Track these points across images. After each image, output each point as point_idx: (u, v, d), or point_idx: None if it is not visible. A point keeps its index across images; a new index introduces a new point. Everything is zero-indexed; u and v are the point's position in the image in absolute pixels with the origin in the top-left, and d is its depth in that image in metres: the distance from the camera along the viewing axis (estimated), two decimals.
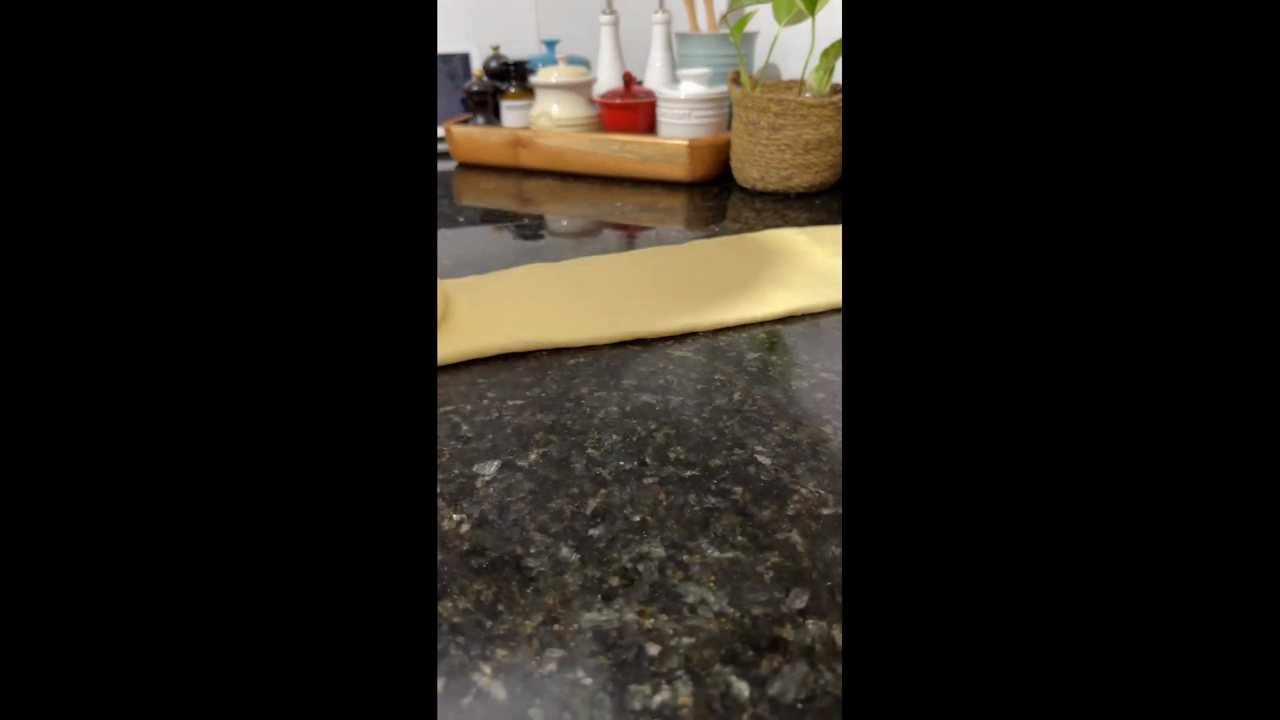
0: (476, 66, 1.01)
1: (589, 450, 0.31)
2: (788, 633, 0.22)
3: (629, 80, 0.81)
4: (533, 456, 0.31)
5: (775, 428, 0.32)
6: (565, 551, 0.25)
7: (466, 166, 0.86)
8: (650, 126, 0.80)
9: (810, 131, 0.66)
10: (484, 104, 0.87)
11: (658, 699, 0.20)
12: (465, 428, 0.33)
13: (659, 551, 0.25)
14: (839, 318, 0.44)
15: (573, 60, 0.87)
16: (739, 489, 0.28)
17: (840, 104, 0.65)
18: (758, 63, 0.88)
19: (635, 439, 0.32)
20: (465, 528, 0.26)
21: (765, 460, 0.30)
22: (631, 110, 0.78)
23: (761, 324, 0.43)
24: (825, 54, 0.65)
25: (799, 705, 0.20)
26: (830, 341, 0.41)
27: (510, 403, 0.35)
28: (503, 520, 0.27)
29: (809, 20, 0.63)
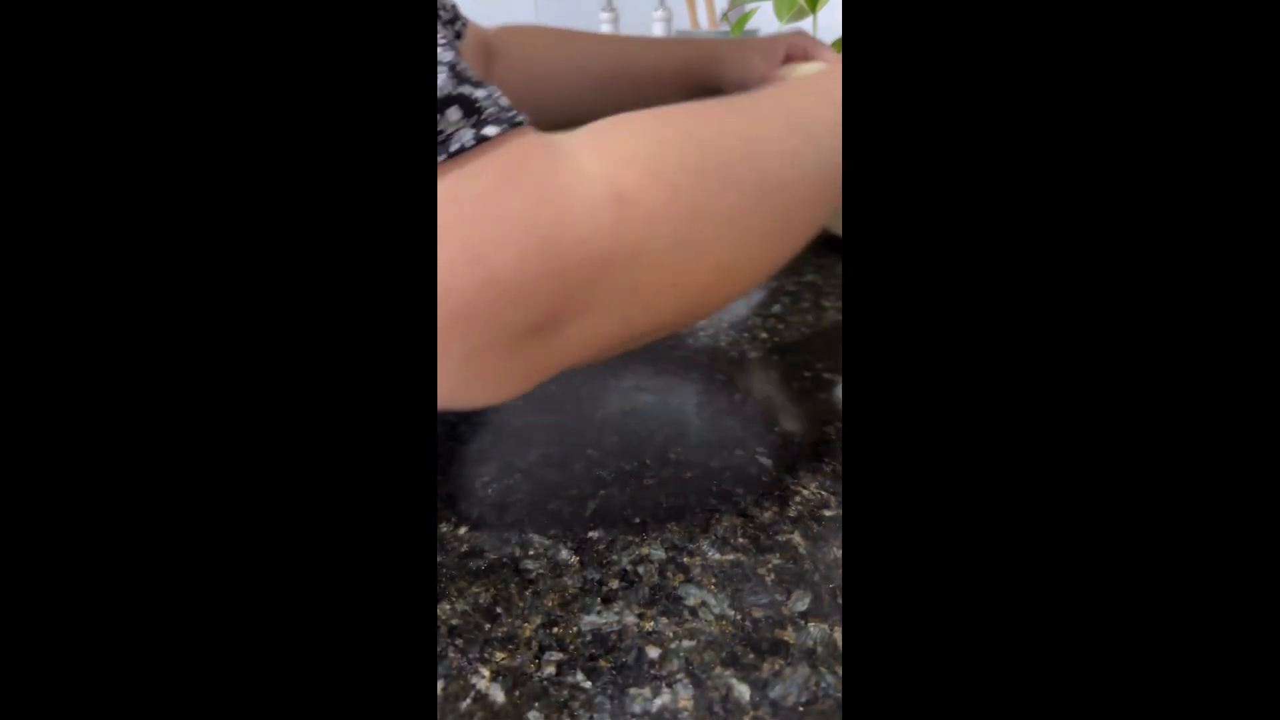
0: None
1: (589, 450, 0.31)
2: (789, 635, 0.22)
3: None
4: (532, 457, 0.30)
5: (776, 428, 0.32)
6: (564, 553, 0.25)
7: None
8: None
9: None
10: None
11: (658, 702, 0.20)
12: (463, 428, 0.32)
13: (659, 553, 0.25)
14: (839, 318, 0.44)
15: None
16: (740, 490, 0.28)
17: None
18: None
19: (635, 439, 0.32)
20: (463, 529, 0.26)
21: (766, 461, 0.30)
22: None
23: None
24: None
25: (800, 708, 0.20)
26: (831, 341, 0.41)
27: (509, 403, 0.34)
28: (501, 522, 0.27)
29: (810, 18, 0.63)
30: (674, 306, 0.21)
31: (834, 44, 0.64)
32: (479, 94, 0.17)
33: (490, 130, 0.17)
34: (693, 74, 0.48)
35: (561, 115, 0.48)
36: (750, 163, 0.22)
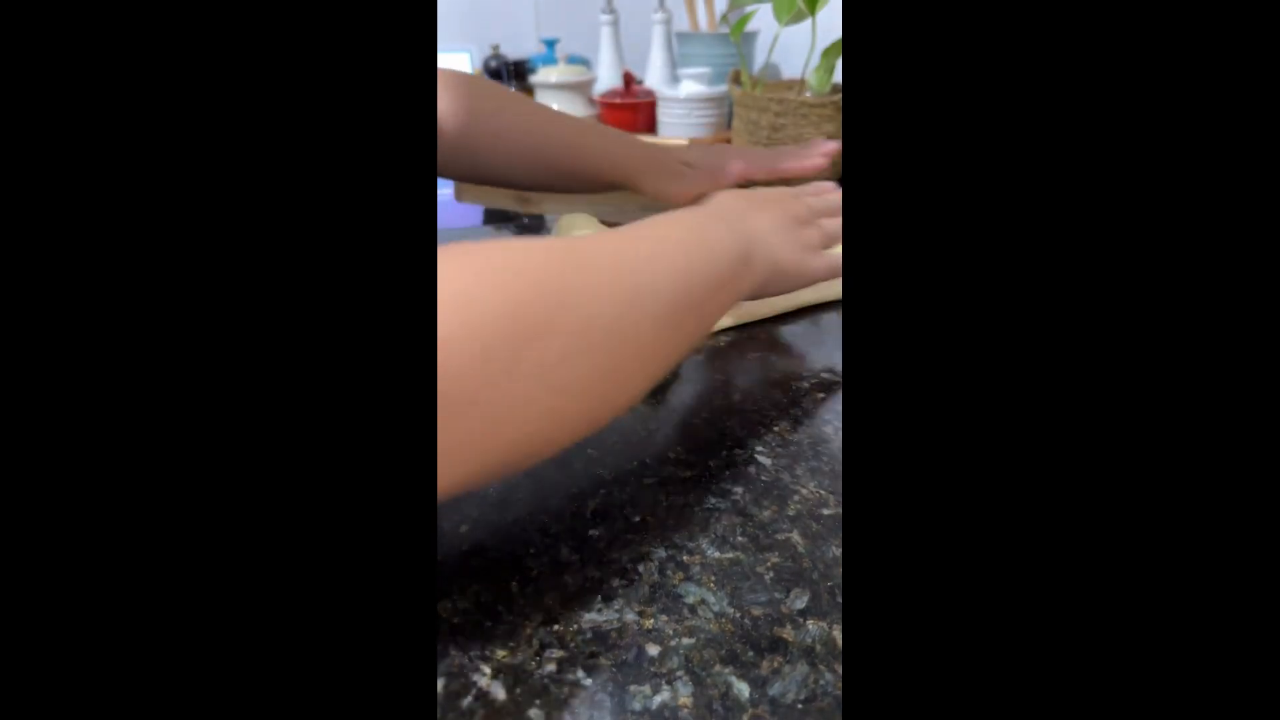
0: (476, 65, 1.00)
1: (589, 450, 0.31)
2: (788, 633, 0.22)
3: (629, 80, 0.81)
4: None
5: (776, 428, 0.32)
6: (565, 552, 0.25)
7: None
8: (650, 126, 0.80)
9: (811, 131, 0.66)
10: None
11: (658, 699, 0.20)
12: None
13: (659, 552, 0.25)
14: (839, 317, 0.44)
15: (572, 60, 0.87)
16: (739, 489, 0.28)
17: (841, 103, 0.65)
18: (758, 62, 0.88)
19: (635, 439, 0.32)
20: (465, 528, 0.26)
21: (766, 460, 0.30)
22: (631, 110, 0.78)
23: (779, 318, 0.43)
24: (826, 53, 0.65)
25: (799, 706, 0.20)
26: (831, 341, 0.41)
27: None
28: (502, 520, 0.27)
29: (809, 19, 0.63)
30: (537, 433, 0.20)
31: (833, 45, 0.64)
32: None
33: None
34: (619, 175, 0.47)
35: (485, 175, 0.48)
36: (589, 300, 0.21)
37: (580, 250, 0.22)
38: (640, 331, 0.23)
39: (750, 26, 0.79)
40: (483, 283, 0.19)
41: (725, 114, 0.77)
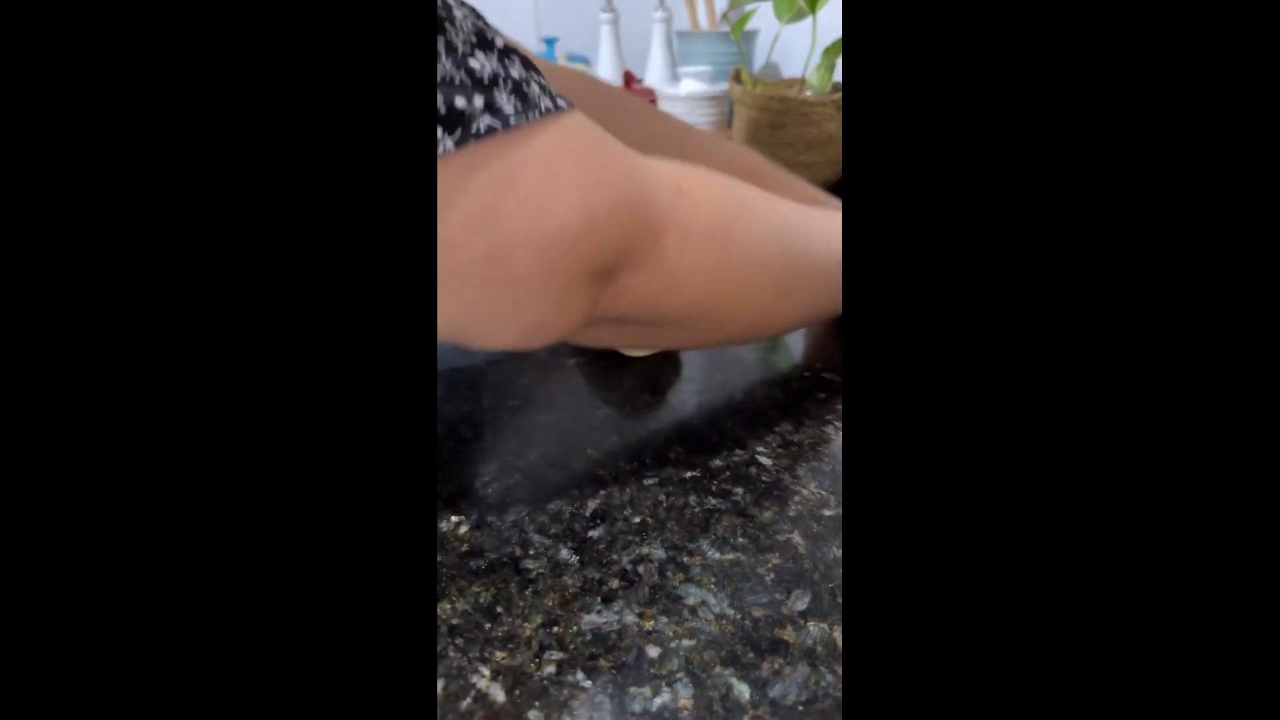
0: None
1: (589, 450, 0.31)
2: (789, 635, 0.22)
3: (629, 78, 0.81)
4: (532, 457, 0.30)
5: (776, 428, 0.32)
6: (564, 553, 0.25)
7: None
8: None
9: (812, 130, 0.65)
10: None
11: (658, 701, 0.20)
12: (463, 428, 0.33)
13: (659, 553, 0.25)
14: (839, 317, 0.44)
15: (572, 58, 0.87)
16: (740, 490, 0.28)
17: (841, 103, 0.65)
18: (758, 61, 0.88)
19: (635, 439, 0.32)
20: (464, 529, 0.26)
21: (766, 461, 0.30)
22: None
23: None
24: (826, 52, 0.65)
25: (800, 707, 0.20)
26: (831, 341, 0.41)
27: (509, 403, 0.34)
28: (501, 521, 0.27)
29: (810, 18, 0.63)
30: (700, 295, 0.25)
31: (834, 44, 0.64)
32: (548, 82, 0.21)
33: (563, 103, 0.21)
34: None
35: None
36: (769, 222, 0.27)
37: (760, 194, 0.29)
38: (801, 270, 0.29)
39: (750, 25, 0.79)
40: (714, 175, 0.26)
41: (725, 113, 0.77)
